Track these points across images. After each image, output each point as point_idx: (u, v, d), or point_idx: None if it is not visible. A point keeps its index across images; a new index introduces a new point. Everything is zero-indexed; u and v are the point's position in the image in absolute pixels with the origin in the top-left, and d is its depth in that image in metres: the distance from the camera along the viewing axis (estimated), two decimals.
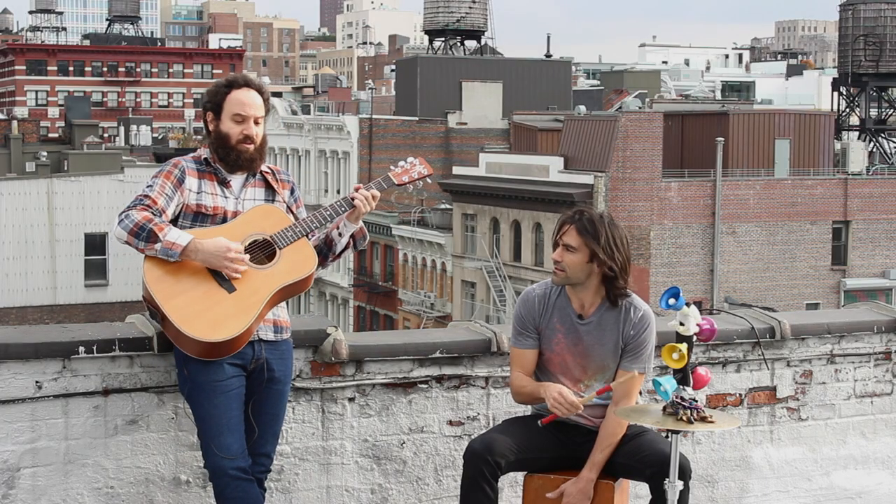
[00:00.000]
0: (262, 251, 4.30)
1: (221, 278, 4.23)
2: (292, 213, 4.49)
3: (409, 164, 4.64)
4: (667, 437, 4.35)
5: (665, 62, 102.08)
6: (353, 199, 4.44)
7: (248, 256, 4.25)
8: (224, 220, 4.34)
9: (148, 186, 4.31)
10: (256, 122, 4.40)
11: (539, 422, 4.48)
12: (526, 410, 4.73)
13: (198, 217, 4.33)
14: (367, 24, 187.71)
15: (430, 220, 48.23)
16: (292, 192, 4.53)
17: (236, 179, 4.42)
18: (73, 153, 49.41)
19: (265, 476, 4.47)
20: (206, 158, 4.42)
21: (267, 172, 4.48)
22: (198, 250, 4.19)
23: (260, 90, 4.45)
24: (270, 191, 4.46)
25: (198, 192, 4.35)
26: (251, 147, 4.39)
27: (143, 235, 4.18)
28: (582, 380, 4.56)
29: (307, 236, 4.36)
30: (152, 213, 4.23)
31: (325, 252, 4.50)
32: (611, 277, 4.46)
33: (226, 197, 4.38)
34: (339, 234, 4.49)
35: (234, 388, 4.30)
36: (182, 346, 4.24)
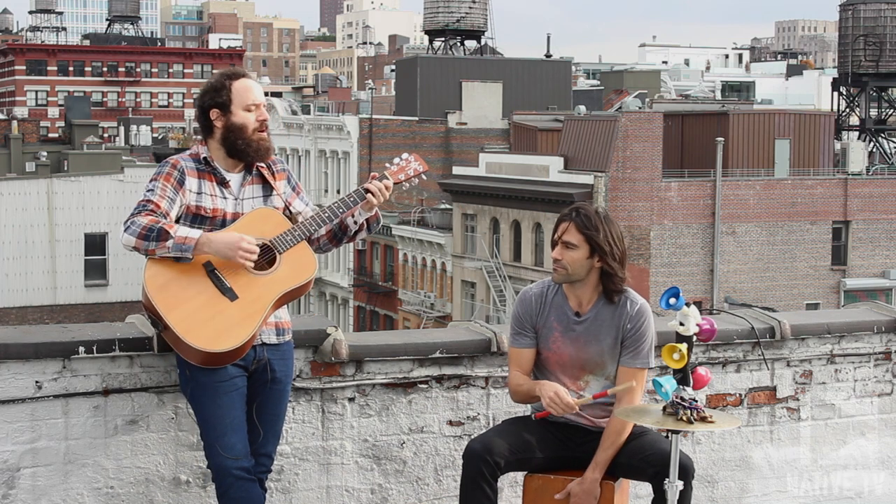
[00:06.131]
0: (263, 256, 4.27)
1: (223, 287, 4.20)
2: (289, 209, 4.45)
3: (405, 161, 4.59)
4: (667, 437, 4.36)
5: (665, 62, 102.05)
6: (367, 189, 4.41)
7: (258, 249, 4.21)
8: (223, 222, 4.31)
9: (149, 191, 4.25)
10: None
11: (533, 415, 4.49)
12: (526, 410, 4.73)
13: (196, 218, 4.28)
14: (367, 24, 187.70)
15: (430, 220, 48.23)
16: (289, 180, 4.50)
17: (234, 178, 4.37)
18: (73, 153, 49.44)
19: (266, 476, 4.47)
20: (205, 158, 4.35)
21: (263, 167, 4.44)
22: (210, 241, 4.16)
23: (249, 76, 4.44)
24: (268, 186, 4.42)
25: (198, 193, 4.30)
26: (266, 134, 4.37)
27: (152, 236, 4.13)
28: (581, 377, 4.56)
29: (308, 239, 4.34)
30: (157, 216, 4.19)
31: (340, 235, 4.49)
32: (610, 272, 4.46)
33: (224, 198, 4.33)
34: (354, 222, 4.48)
35: (236, 388, 4.29)
36: (184, 354, 4.23)
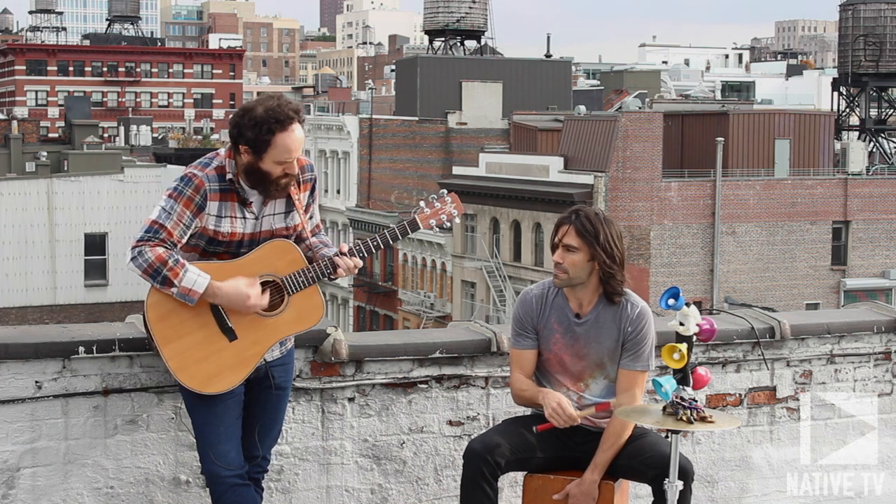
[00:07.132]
0: (272, 294, 4.21)
1: (225, 325, 4.16)
2: (303, 218, 4.37)
3: (440, 202, 4.45)
4: (667, 437, 4.36)
5: (665, 62, 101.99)
6: (336, 266, 4.25)
7: (266, 299, 4.14)
8: (240, 244, 4.22)
9: (164, 212, 4.10)
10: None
11: (535, 428, 4.48)
12: (526, 410, 4.73)
13: (213, 241, 4.20)
14: (367, 24, 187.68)
15: None
16: (312, 190, 4.38)
17: (256, 196, 4.24)
18: (73, 153, 49.36)
19: (262, 476, 4.47)
20: (230, 179, 4.18)
21: None
22: (216, 294, 4.11)
23: (301, 117, 4.21)
24: (290, 202, 4.30)
25: (217, 217, 4.17)
26: (288, 179, 4.21)
27: (157, 279, 4.07)
28: (581, 379, 4.56)
29: (318, 282, 4.24)
30: (167, 246, 4.09)
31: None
32: (609, 274, 4.46)
33: (245, 218, 4.21)
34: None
35: (233, 396, 4.27)
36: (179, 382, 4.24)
